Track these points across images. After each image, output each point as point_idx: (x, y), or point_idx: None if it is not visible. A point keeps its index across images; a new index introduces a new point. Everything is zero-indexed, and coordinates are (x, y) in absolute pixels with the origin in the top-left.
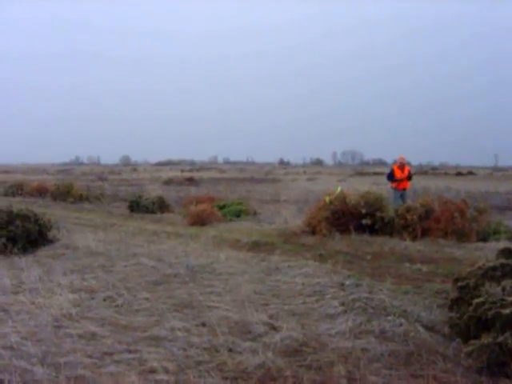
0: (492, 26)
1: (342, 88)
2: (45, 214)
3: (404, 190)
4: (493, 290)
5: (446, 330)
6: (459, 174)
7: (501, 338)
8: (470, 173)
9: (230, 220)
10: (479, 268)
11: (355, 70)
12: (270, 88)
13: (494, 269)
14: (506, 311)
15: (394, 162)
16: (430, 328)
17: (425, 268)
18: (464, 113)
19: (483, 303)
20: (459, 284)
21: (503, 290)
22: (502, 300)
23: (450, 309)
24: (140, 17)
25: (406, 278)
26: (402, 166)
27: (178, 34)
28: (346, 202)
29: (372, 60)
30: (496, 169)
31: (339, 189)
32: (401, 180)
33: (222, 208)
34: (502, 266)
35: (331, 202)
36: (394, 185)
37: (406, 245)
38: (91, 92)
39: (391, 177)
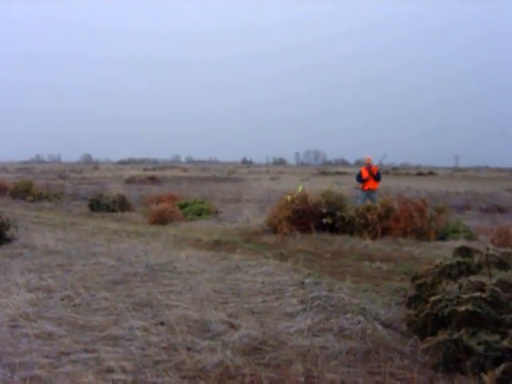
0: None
1: (306, 92)
2: (3, 212)
3: (370, 190)
4: (450, 287)
5: (404, 327)
6: (420, 174)
7: (456, 335)
8: (431, 173)
9: (192, 219)
10: (436, 266)
11: (321, 76)
12: (233, 90)
13: (450, 267)
14: (462, 308)
15: (361, 163)
16: (387, 325)
17: (384, 266)
18: (426, 114)
19: (440, 301)
20: (417, 282)
21: (460, 287)
22: (458, 297)
23: (408, 306)
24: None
25: (366, 277)
26: (369, 167)
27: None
28: (307, 201)
29: (336, 68)
30: (456, 169)
31: (301, 188)
32: (367, 180)
33: (183, 207)
34: (459, 264)
35: (292, 201)
36: (361, 185)
37: (365, 244)
38: (53, 90)
39: (360, 178)
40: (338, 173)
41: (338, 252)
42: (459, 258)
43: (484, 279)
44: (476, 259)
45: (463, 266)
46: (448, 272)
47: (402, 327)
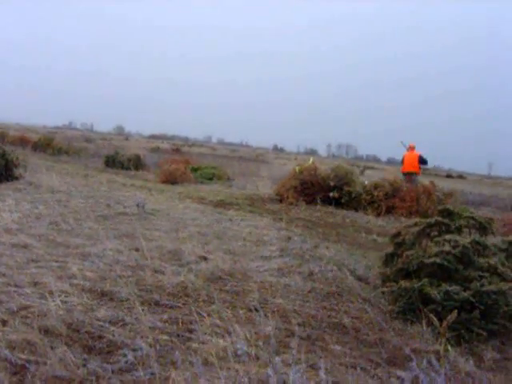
0: None
1: (344, 89)
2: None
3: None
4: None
5: (377, 282)
6: (449, 176)
7: (418, 284)
8: (460, 177)
9: (202, 182)
10: (416, 224)
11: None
12: (276, 85)
13: (430, 226)
14: (430, 260)
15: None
16: (361, 279)
17: (380, 239)
18: (464, 119)
19: (412, 255)
20: (395, 240)
21: (435, 244)
22: (430, 251)
23: (385, 263)
24: None
25: (359, 246)
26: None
27: None
28: (316, 173)
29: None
30: (488, 177)
31: (311, 160)
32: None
33: (195, 170)
34: (438, 223)
35: (301, 172)
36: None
37: (368, 219)
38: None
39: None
40: (366, 167)
41: (338, 224)
42: (440, 219)
43: (459, 238)
44: (457, 222)
45: (443, 226)
46: (427, 232)
47: (375, 283)
